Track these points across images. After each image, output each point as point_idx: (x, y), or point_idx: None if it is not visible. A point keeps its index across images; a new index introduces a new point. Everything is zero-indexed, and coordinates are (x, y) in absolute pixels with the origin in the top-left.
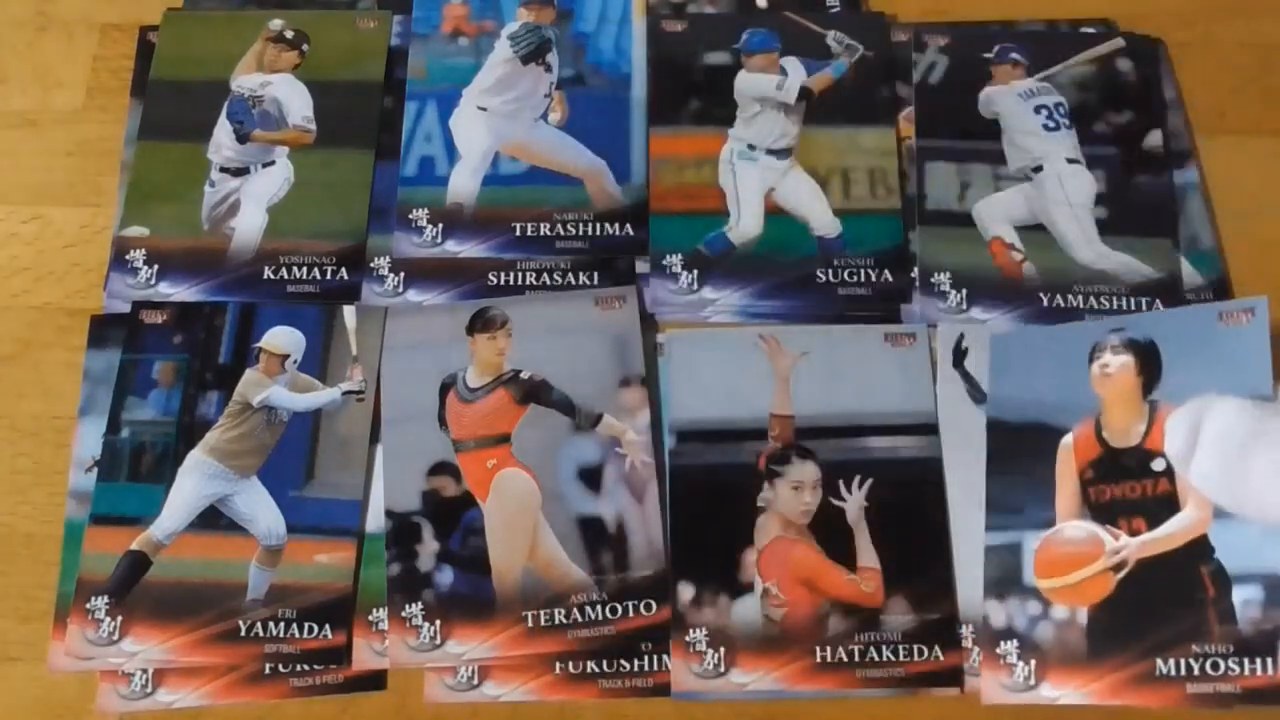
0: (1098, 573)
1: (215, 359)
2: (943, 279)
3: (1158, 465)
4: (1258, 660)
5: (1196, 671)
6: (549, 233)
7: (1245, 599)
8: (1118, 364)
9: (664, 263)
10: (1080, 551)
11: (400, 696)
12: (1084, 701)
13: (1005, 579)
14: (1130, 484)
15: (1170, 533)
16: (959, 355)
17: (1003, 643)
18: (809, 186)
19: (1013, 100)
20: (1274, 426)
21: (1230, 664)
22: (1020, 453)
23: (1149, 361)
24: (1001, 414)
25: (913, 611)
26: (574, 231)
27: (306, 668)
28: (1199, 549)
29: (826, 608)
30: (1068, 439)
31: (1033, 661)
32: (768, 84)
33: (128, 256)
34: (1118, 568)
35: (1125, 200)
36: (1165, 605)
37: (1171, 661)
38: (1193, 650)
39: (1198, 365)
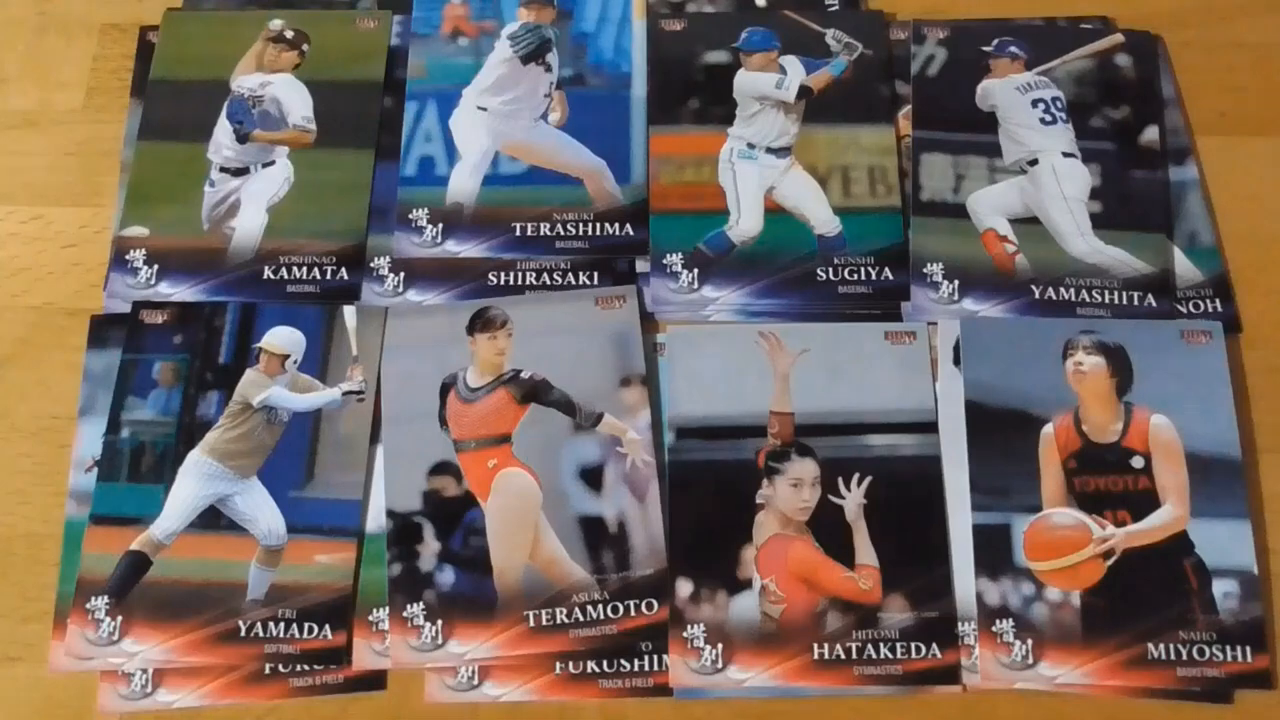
0: (1088, 558)
1: (215, 359)
2: (935, 270)
3: (1137, 463)
4: (1239, 648)
5: (1185, 657)
6: (549, 233)
7: (1224, 592)
8: (1091, 364)
9: (664, 262)
10: (1069, 537)
11: (400, 696)
12: (1082, 681)
13: (996, 559)
14: (1112, 478)
15: (1153, 526)
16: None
17: (998, 621)
18: (809, 185)
19: (1010, 93)
20: None
21: (1215, 651)
22: (1001, 437)
23: (1120, 365)
24: (978, 396)
25: (911, 609)
26: (574, 231)
27: (306, 668)
28: (1180, 544)
29: (824, 605)
30: (1048, 429)
31: (1029, 640)
32: (767, 83)
33: (128, 256)
34: (1107, 555)
35: (1120, 195)
36: (1153, 594)
37: (1163, 646)
38: (1180, 637)
39: (1166, 376)
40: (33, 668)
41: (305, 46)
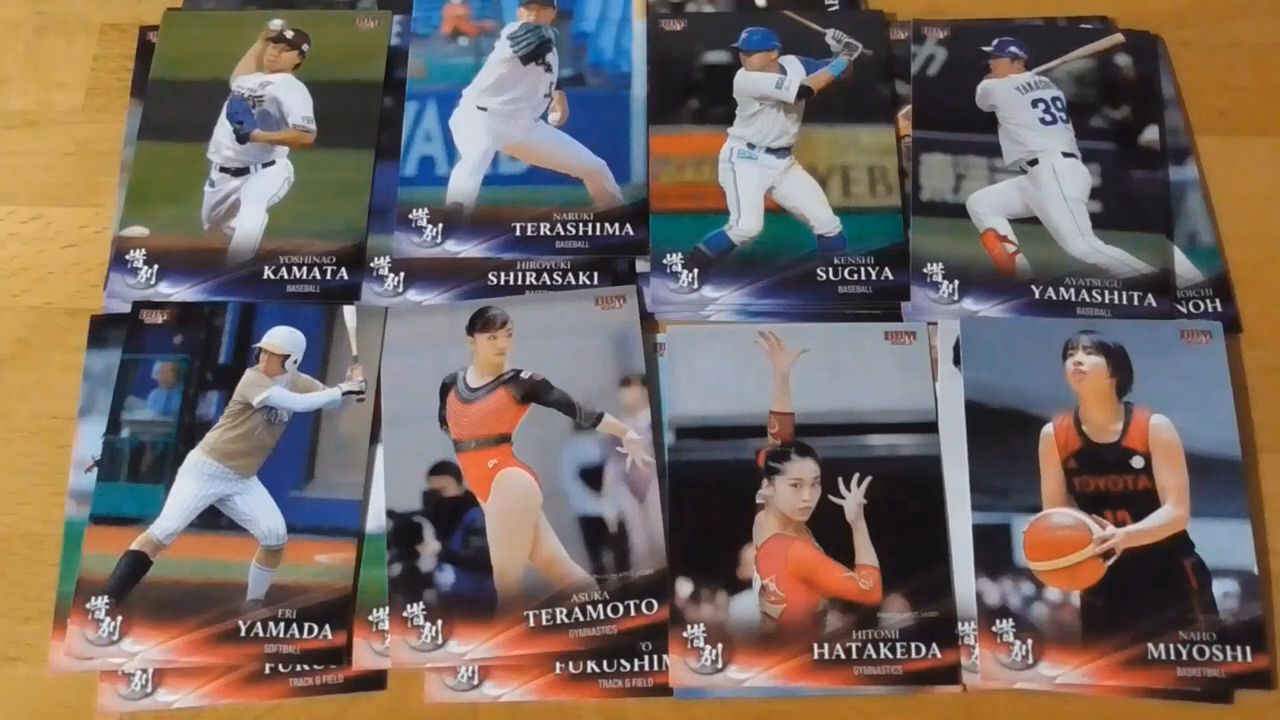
0: (1088, 558)
1: (215, 359)
2: (935, 270)
3: (1137, 463)
4: (1239, 648)
5: (1185, 657)
6: (549, 233)
7: (1224, 591)
8: (1091, 364)
9: (664, 262)
10: (1069, 537)
11: (400, 696)
12: (1082, 681)
13: (996, 558)
14: (1112, 477)
15: (1153, 526)
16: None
17: (998, 621)
18: (809, 185)
19: (1010, 93)
20: None
21: (1215, 651)
22: (1001, 436)
23: (1120, 365)
24: (979, 396)
25: (911, 609)
26: (574, 231)
27: (306, 668)
28: (1180, 543)
29: (824, 605)
30: (1048, 429)
31: (1029, 640)
32: (767, 83)
33: (128, 256)
34: (1106, 555)
35: (1120, 195)
36: (1153, 594)
37: (1162, 646)
38: (1180, 637)
39: (1165, 376)
40: (33, 668)
41: (305, 46)
